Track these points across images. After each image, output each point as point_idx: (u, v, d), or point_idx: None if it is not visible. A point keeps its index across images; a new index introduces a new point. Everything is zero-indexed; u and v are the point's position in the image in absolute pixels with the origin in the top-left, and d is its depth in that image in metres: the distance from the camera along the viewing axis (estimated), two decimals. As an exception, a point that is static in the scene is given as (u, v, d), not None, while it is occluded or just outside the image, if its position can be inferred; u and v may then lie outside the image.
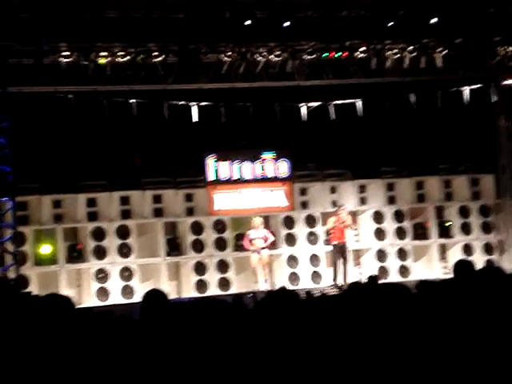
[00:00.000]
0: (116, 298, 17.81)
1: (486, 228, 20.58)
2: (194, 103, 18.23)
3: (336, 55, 18.61)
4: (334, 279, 18.45)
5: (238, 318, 5.12)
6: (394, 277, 19.44)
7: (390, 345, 4.40)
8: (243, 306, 6.59)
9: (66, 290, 16.92)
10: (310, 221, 19.52)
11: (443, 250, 20.33)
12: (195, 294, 18.04)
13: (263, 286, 17.89)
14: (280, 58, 18.32)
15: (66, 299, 4.63)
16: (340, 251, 18.43)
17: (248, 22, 17.34)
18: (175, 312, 4.90)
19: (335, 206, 19.69)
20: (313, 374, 4.25)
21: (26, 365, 4.17)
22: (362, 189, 20.44)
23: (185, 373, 4.23)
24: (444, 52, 18.95)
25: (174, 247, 18.72)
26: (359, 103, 18.91)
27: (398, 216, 20.06)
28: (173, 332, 4.44)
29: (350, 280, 18.06)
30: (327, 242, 19.06)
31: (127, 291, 17.98)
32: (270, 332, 4.46)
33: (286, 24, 17.55)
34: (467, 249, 20.23)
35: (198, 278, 18.53)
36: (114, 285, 17.94)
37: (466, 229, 20.42)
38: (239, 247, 18.89)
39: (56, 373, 4.15)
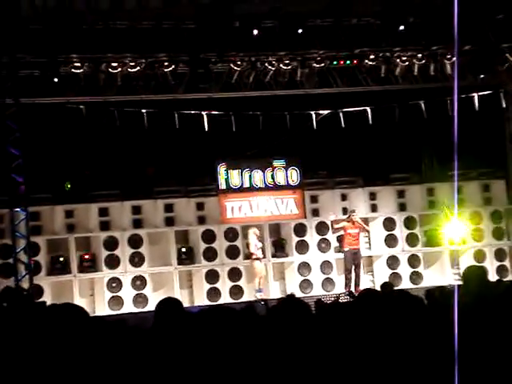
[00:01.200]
0: (129, 306, 17.89)
1: (498, 234, 20.55)
2: (205, 112, 18.32)
3: (345, 63, 18.69)
4: (346, 286, 18.45)
5: (250, 325, 5.18)
6: (405, 283, 19.44)
7: (400, 351, 4.43)
8: (256, 313, 6.63)
9: (79, 300, 17.02)
10: (321, 228, 19.54)
11: (455, 256, 20.30)
12: (207, 302, 18.09)
13: (259, 294, 17.96)
14: (289, 67, 18.40)
15: (80, 309, 4.68)
16: (353, 257, 18.45)
17: (257, 32, 17.42)
18: (189, 320, 4.95)
19: (345, 213, 19.76)
20: (324, 380, 4.28)
21: (40, 373, 4.20)
22: (373, 196, 20.46)
23: (197, 380, 4.27)
24: (453, 59, 18.98)
25: (186, 256, 18.79)
26: (369, 111, 18.96)
27: (409, 223, 20.07)
28: (187, 340, 4.49)
29: (361, 287, 18.11)
30: (339, 249, 19.08)
31: (140, 300, 18.04)
32: (283, 339, 4.50)
33: (299, 31, 17.61)
34: (479, 255, 20.20)
35: (210, 286, 18.59)
36: (127, 294, 18.01)
37: (477, 235, 20.39)
38: (249, 255, 18.97)
39: (70, 381, 4.18)
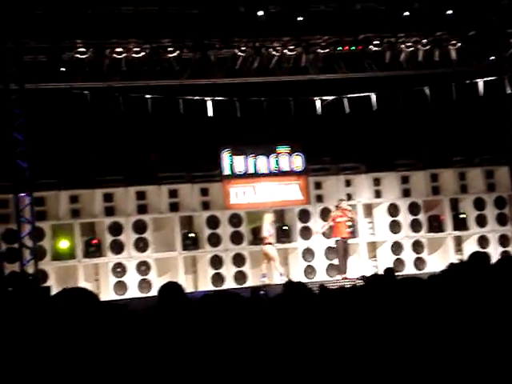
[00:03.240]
0: (133, 291, 17.96)
1: (502, 220, 20.57)
2: (209, 98, 18.31)
3: (350, 49, 18.65)
4: (341, 272, 18.49)
5: (255, 311, 5.21)
6: (409, 269, 19.49)
7: (404, 336, 4.46)
8: (260, 299, 6.68)
9: (84, 285, 17.07)
10: (325, 214, 19.57)
11: (458, 242, 20.34)
12: (211, 288, 18.16)
13: (279, 278, 18.02)
14: (294, 53, 18.39)
15: (90, 293, 4.70)
16: (344, 246, 18.49)
17: (261, 16, 17.38)
18: (190, 305, 4.98)
19: (350, 199, 19.81)
20: (327, 366, 4.30)
21: (45, 356, 4.22)
22: (377, 182, 20.48)
23: (198, 365, 4.30)
24: (458, 45, 18.95)
25: (191, 241, 18.84)
26: (373, 96, 18.94)
27: (413, 209, 20.09)
28: (188, 324, 4.52)
29: (349, 274, 18.20)
30: (328, 236, 19.01)
31: (144, 285, 18.11)
32: (287, 324, 4.53)
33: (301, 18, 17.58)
34: (482, 241, 20.23)
35: (215, 271, 18.65)
36: (132, 279, 18.09)
37: (481, 221, 20.43)
38: (255, 241, 19.02)
39: (76, 364, 4.20)
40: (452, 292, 5.20)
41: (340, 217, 18.59)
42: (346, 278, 18.02)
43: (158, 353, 4.48)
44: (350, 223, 18.86)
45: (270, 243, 18.31)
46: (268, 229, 18.34)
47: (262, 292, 15.24)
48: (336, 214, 18.64)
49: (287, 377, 4.21)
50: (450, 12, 18.12)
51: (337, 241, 18.61)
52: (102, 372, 4.24)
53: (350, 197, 19.86)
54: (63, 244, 18.04)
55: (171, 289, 5.55)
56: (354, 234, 19.52)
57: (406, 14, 18.12)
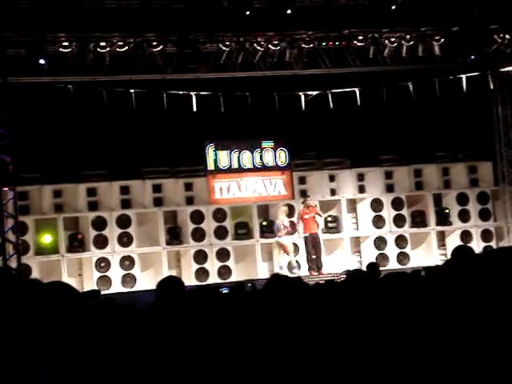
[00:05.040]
0: (117, 286, 17.94)
1: (484, 215, 20.68)
2: (193, 93, 18.28)
3: (334, 44, 18.68)
4: (310, 269, 18.55)
5: (240, 305, 5.22)
6: (392, 264, 19.57)
7: (391, 333, 4.47)
8: (245, 293, 6.70)
9: (67, 279, 17.02)
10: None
11: (442, 237, 20.44)
12: (195, 283, 18.16)
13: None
14: (278, 48, 18.38)
15: (69, 286, 4.66)
16: (313, 242, 18.54)
17: (247, 12, 17.39)
18: (190, 299, 4.98)
19: (334, 195, 19.90)
20: (312, 361, 4.31)
21: (31, 352, 4.20)
22: (361, 177, 20.54)
23: (197, 359, 4.31)
24: (441, 40, 19.01)
25: (175, 236, 18.83)
26: (357, 92, 18.98)
27: (397, 204, 20.16)
28: (188, 318, 4.52)
29: (324, 270, 18.34)
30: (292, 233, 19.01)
31: (128, 280, 18.10)
32: (268, 317, 4.54)
33: (288, 12, 17.58)
34: (465, 236, 20.34)
35: (199, 266, 18.65)
36: (115, 273, 18.06)
37: (464, 216, 20.53)
38: (239, 235, 19.06)
39: (66, 359, 4.19)
40: (438, 286, 5.22)
41: (307, 213, 18.64)
42: (327, 274, 18.08)
43: (156, 347, 4.47)
44: (318, 217, 18.89)
45: (289, 233, 18.36)
46: (285, 221, 18.34)
47: (249, 285, 15.31)
48: (303, 211, 18.69)
49: (271, 367, 4.22)
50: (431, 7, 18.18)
51: (305, 237, 18.66)
52: (92, 366, 4.22)
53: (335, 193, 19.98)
54: (46, 239, 17.98)
55: (170, 283, 5.53)
56: (337, 229, 19.60)
57: (393, 7, 18.15)
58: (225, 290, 10.88)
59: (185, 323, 4.54)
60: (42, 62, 16.86)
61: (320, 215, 18.81)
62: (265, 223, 19.33)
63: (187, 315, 4.63)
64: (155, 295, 5.30)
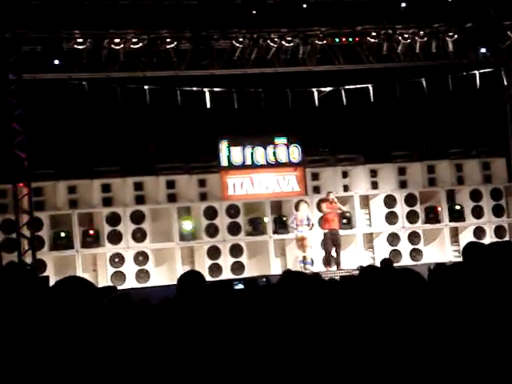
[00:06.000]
0: (131, 281, 18.04)
1: (498, 211, 20.66)
2: (207, 89, 18.35)
3: (347, 40, 18.70)
4: (326, 265, 18.60)
5: (255, 300, 5.27)
6: (405, 260, 19.58)
7: (401, 330, 4.50)
8: (260, 288, 6.76)
9: (82, 275, 17.14)
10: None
11: (455, 233, 20.43)
12: (209, 278, 18.23)
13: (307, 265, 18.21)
14: (291, 44, 18.41)
15: (86, 281, 4.69)
16: (332, 238, 18.58)
17: (260, 9, 17.43)
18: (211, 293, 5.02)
19: (346, 191, 19.94)
20: (320, 356, 4.34)
21: (45, 346, 4.21)
22: (374, 173, 20.54)
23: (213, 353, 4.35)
24: (455, 36, 19.00)
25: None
26: (371, 88, 18.99)
27: (410, 200, 20.16)
28: (207, 313, 4.57)
29: (343, 266, 18.35)
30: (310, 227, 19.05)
31: (142, 275, 18.19)
32: (280, 312, 4.58)
33: (304, 6, 17.59)
34: (479, 232, 20.33)
35: (212, 262, 18.73)
36: (129, 269, 18.16)
37: (477, 212, 20.51)
38: (253, 232, 19.14)
39: (77, 356, 4.20)
40: (450, 283, 5.25)
41: (330, 208, 18.68)
42: (341, 269, 18.12)
43: (172, 343, 4.50)
44: (339, 212, 18.92)
45: (310, 228, 18.43)
46: (307, 216, 18.40)
47: (263, 280, 15.35)
48: (326, 206, 18.71)
49: (279, 363, 4.26)
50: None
51: (325, 233, 18.70)
52: (106, 364, 4.24)
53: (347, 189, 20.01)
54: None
55: (191, 278, 5.57)
56: (350, 225, 19.64)
57: (404, 5, 18.16)
58: (239, 286, 10.93)
59: (204, 318, 4.59)
60: (56, 62, 16.96)
61: (343, 211, 18.91)
62: (282, 219, 19.31)
63: (206, 310, 4.68)
64: (176, 288, 5.35)
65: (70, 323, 4.30)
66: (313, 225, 18.67)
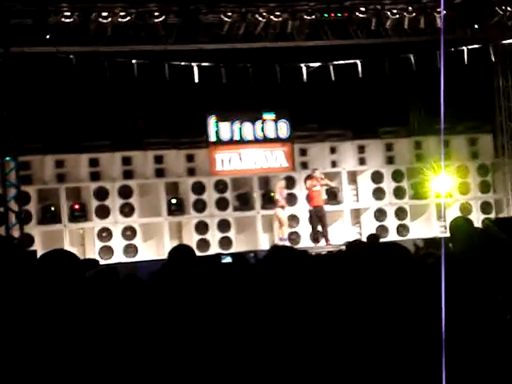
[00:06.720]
0: (119, 256, 18.07)
1: (484, 187, 20.76)
2: (195, 64, 18.28)
3: (336, 15, 18.64)
4: (315, 241, 18.71)
5: (243, 274, 5.31)
6: (392, 235, 19.68)
7: (387, 303, 4.54)
8: (247, 263, 6.79)
9: (69, 249, 17.12)
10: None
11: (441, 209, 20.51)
12: (197, 253, 18.23)
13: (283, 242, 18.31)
14: (280, 19, 18.35)
15: (70, 254, 4.66)
16: (317, 215, 18.67)
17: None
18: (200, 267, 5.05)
19: (334, 166, 19.99)
20: (310, 332, 4.37)
21: (34, 322, 4.21)
22: (362, 149, 20.59)
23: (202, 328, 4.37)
24: (443, 12, 18.96)
25: (176, 207, 18.92)
26: (359, 64, 18.96)
27: (397, 176, 20.22)
28: (195, 287, 4.60)
29: (331, 241, 18.42)
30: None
31: (130, 250, 18.23)
32: (272, 289, 4.61)
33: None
34: (465, 208, 20.42)
35: (200, 237, 18.77)
36: (117, 244, 18.19)
37: (464, 188, 20.59)
38: (241, 207, 19.19)
39: (68, 329, 4.20)
40: (435, 257, 5.31)
41: (315, 186, 18.75)
42: (330, 244, 18.21)
43: (159, 317, 4.52)
44: (327, 188, 19.01)
45: (282, 206, 18.50)
46: (280, 193, 18.53)
47: (251, 255, 15.41)
48: (311, 184, 18.78)
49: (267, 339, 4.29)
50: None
51: (310, 210, 18.80)
52: (90, 335, 4.23)
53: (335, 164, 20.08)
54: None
55: (182, 251, 5.60)
56: (337, 200, 19.72)
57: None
58: (226, 259, 10.96)
59: (192, 291, 4.63)
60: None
61: (331, 186, 19.04)
62: (270, 194, 19.37)
63: (194, 283, 4.71)
64: (166, 261, 5.38)
65: (52, 294, 4.30)
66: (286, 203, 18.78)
